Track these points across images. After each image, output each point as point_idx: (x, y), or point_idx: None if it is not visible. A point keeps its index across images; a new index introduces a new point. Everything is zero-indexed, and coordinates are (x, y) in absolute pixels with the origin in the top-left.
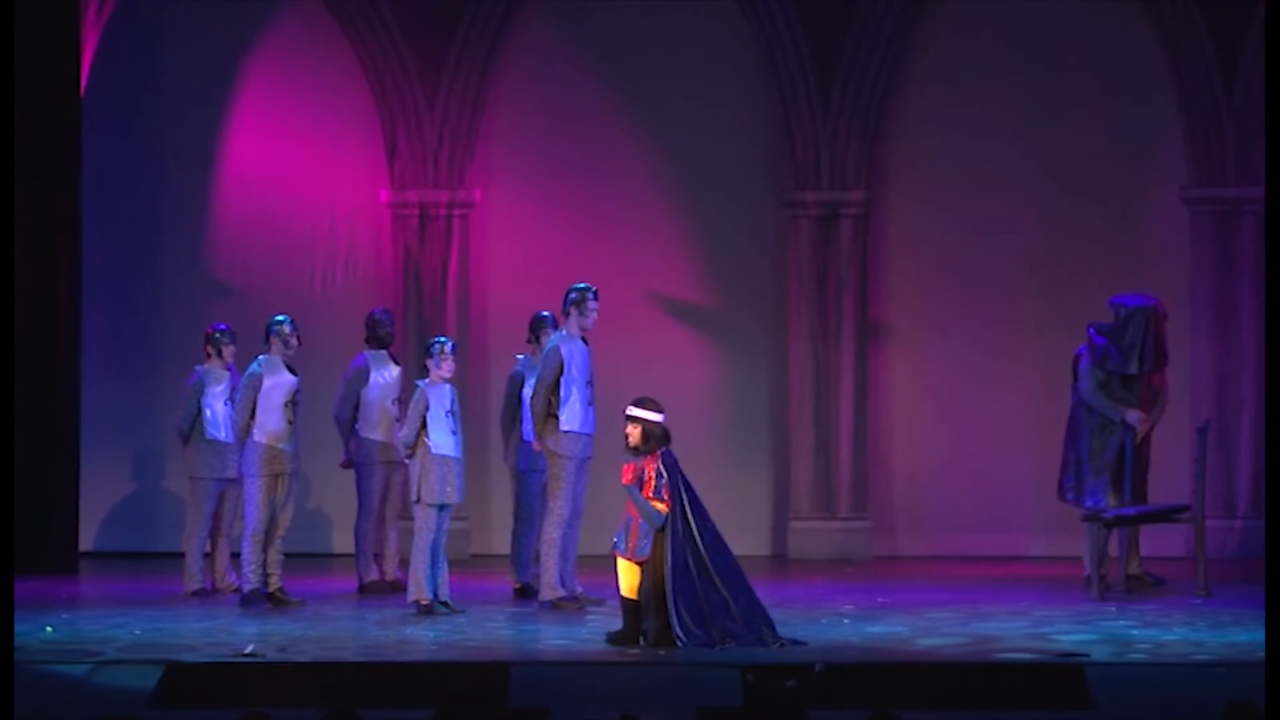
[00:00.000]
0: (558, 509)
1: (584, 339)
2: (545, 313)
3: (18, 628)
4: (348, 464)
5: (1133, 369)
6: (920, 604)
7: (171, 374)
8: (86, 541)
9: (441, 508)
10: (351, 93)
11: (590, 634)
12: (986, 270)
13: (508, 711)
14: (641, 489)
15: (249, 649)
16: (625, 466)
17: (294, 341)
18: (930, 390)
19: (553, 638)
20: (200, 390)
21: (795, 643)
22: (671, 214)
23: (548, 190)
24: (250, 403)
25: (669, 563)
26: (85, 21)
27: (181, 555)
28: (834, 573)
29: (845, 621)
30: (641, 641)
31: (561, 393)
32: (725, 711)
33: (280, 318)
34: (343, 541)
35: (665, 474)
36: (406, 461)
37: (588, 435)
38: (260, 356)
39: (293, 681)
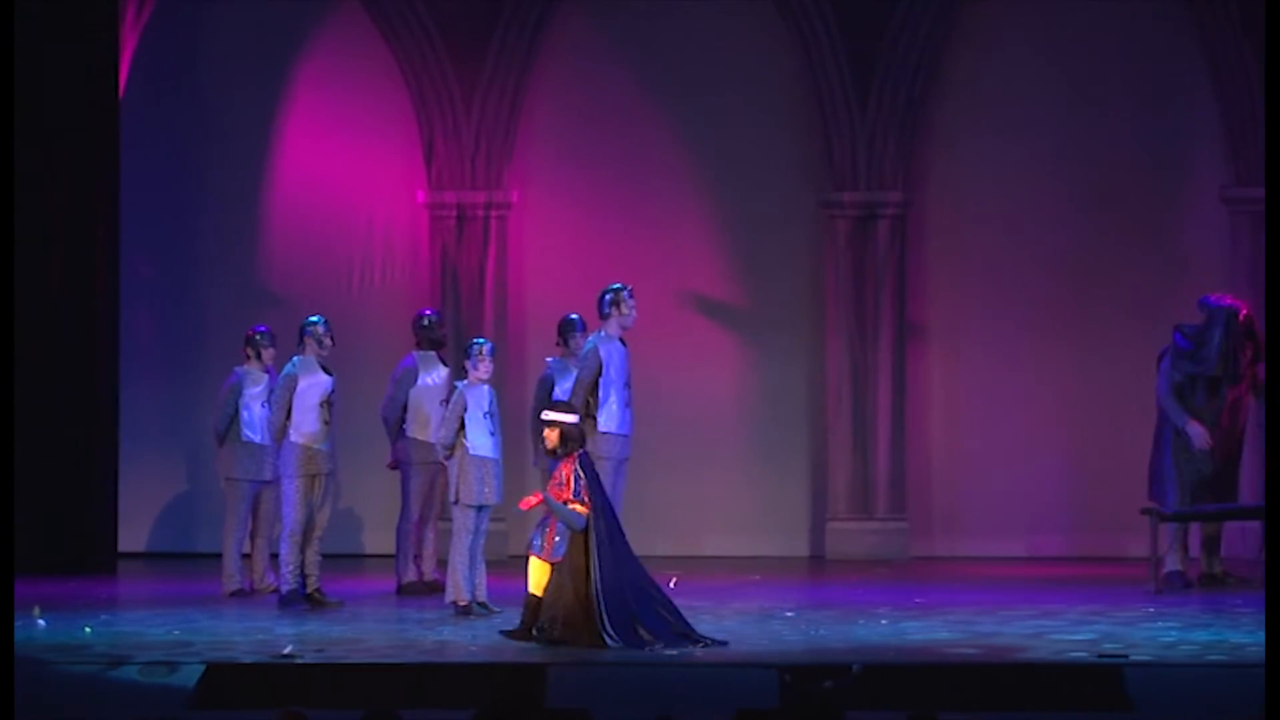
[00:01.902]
0: None
1: (622, 340)
2: (574, 315)
3: (58, 629)
4: (394, 464)
5: (1210, 371)
6: (957, 604)
7: (211, 375)
8: (126, 542)
9: (480, 509)
10: (389, 94)
11: None
12: (1023, 271)
13: (546, 712)
14: (563, 491)
15: (287, 649)
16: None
17: (328, 342)
18: (967, 391)
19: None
20: (238, 392)
21: (716, 643)
22: (709, 214)
23: (585, 191)
24: (285, 404)
25: (596, 565)
26: (124, 24)
27: (220, 556)
28: (871, 573)
29: (883, 622)
30: (535, 634)
31: (600, 394)
32: (763, 713)
33: (314, 318)
34: (377, 542)
35: (584, 476)
36: (445, 462)
37: (625, 436)
38: (295, 358)
39: (331, 682)
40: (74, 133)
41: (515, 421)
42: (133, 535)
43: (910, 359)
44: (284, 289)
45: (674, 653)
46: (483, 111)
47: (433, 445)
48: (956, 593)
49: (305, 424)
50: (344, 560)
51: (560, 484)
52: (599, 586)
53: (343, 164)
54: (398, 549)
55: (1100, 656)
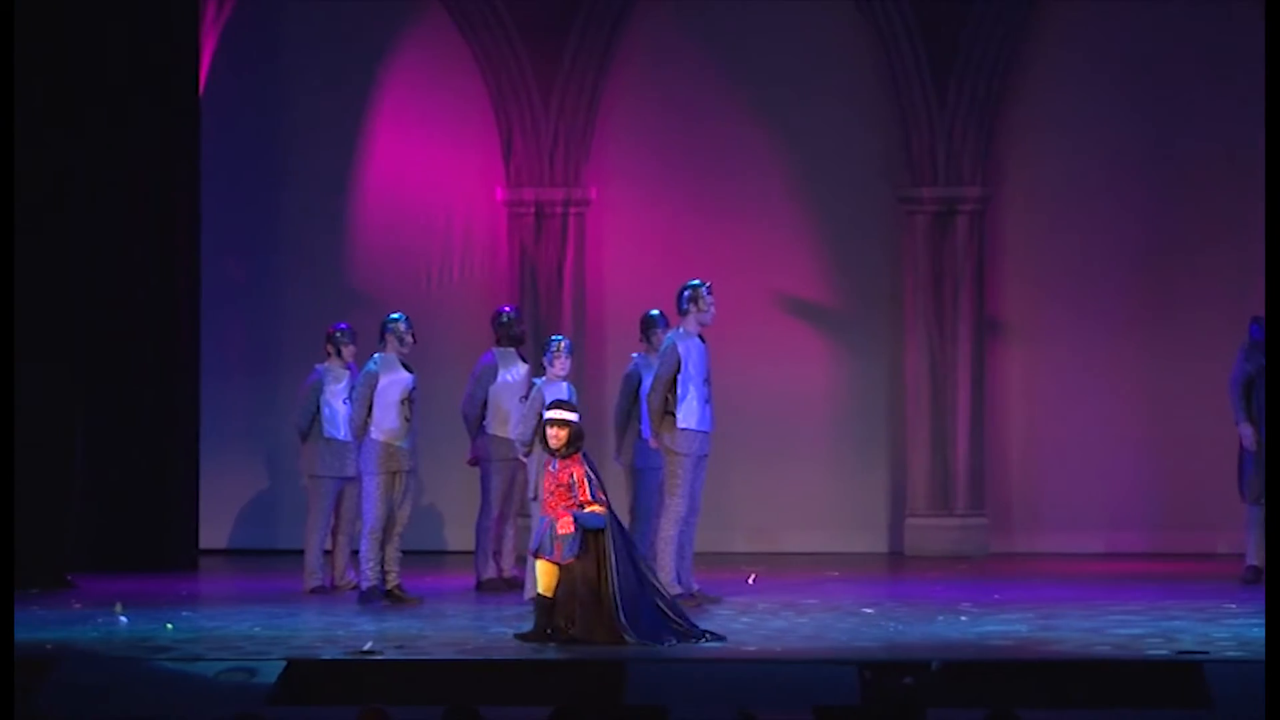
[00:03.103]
0: (674, 506)
1: (701, 336)
2: (655, 312)
3: (140, 625)
4: (474, 461)
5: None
6: (1037, 600)
7: (292, 373)
8: (207, 539)
9: None
10: (468, 92)
11: (708, 630)
12: (1102, 266)
13: (624, 709)
14: (575, 496)
15: (367, 646)
16: (552, 506)
17: (409, 339)
18: (1046, 386)
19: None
20: (319, 389)
21: (716, 637)
22: (787, 210)
23: (663, 187)
24: (367, 401)
25: (612, 562)
26: (204, 22)
27: (301, 552)
28: (950, 569)
29: (962, 619)
30: (550, 635)
31: (679, 390)
32: (843, 710)
33: (395, 316)
34: (458, 538)
35: (594, 475)
36: (524, 459)
37: (705, 433)
38: (376, 355)
39: (411, 679)
40: (154, 132)
41: (594, 418)
42: (214, 532)
43: (989, 354)
44: (364, 287)
45: (678, 645)
46: (561, 108)
47: (512, 442)
48: (1036, 589)
49: (386, 421)
50: (425, 557)
51: (570, 486)
52: (615, 583)
53: (422, 162)
54: (477, 545)
55: (1180, 653)
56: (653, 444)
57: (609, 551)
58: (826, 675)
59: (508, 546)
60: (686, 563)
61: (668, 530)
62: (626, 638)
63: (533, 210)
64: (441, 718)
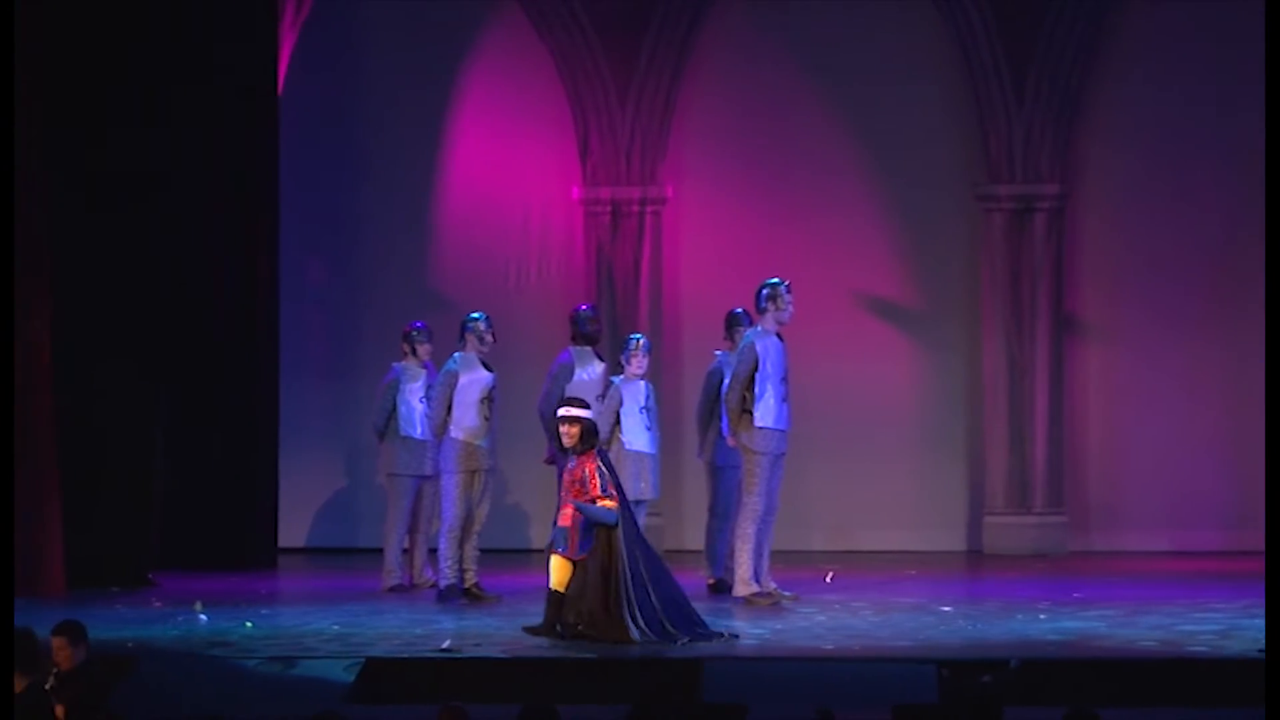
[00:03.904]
0: (752, 504)
1: (779, 335)
2: (740, 309)
3: (219, 623)
4: (551, 460)
5: None
6: (1116, 599)
7: (370, 372)
8: (286, 538)
9: (636, 503)
10: (544, 91)
11: (786, 629)
12: (1180, 263)
13: (702, 707)
14: (587, 491)
15: (446, 644)
16: (564, 508)
17: (489, 338)
18: (1125, 384)
19: (747, 633)
20: (396, 388)
21: (732, 636)
22: (865, 208)
23: (740, 185)
24: (446, 399)
25: (623, 560)
26: (283, 22)
27: (380, 551)
28: (1029, 568)
29: (1041, 617)
30: (559, 630)
31: (756, 389)
32: (921, 708)
33: (475, 315)
34: (538, 537)
35: (606, 471)
36: None
37: (782, 431)
38: (456, 354)
39: (489, 677)
40: (234, 133)
41: (671, 416)
42: (293, 531)
43: (1067, 352)
44: (441, 286)
45: (690, 645)
46: (637, 107)
47: None
48: (1115, 587)
49: (465, 420)
50: (505, 555)
51: (582, 481)
52: (627, 581)
53: (499, 161)
54: None
55: (1260, 651)
56: (731, 442)
57: (620, 549)
58: (905, 674)
59: None
60: (764, 561)
61: (745, 528)
62: (634, 636)
63: (609, 209)
64: (519, 716)
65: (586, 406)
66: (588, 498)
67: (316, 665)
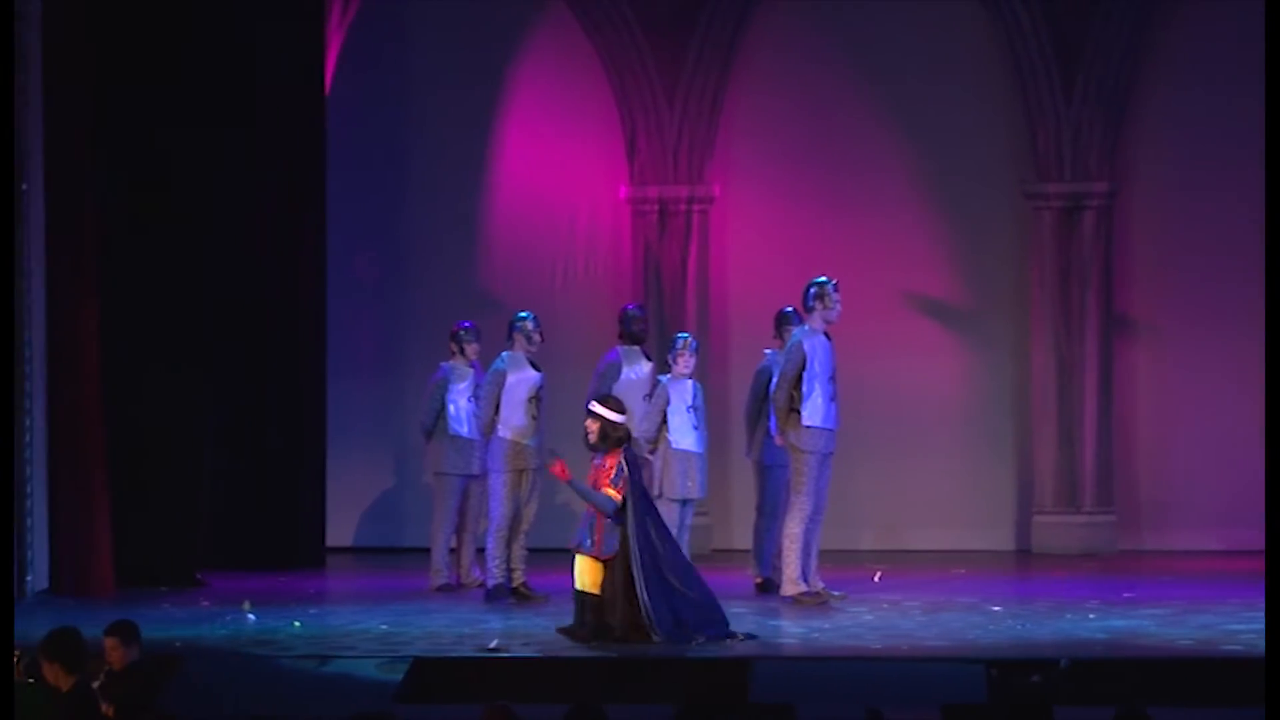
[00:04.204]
0: (800, 504)
1: (827, 334)
2: (789, 308)
3: (267, 623)
4: None
5: None
6: (1166, 599)
7: (417, 371)
8: (333, 537)
9: (684, 503)
10: (592, 89)
11: (834, 628)
12: (1232, 262)
13: (750, 707)
14: (600, 480)
15: (493, 644)
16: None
17: (537, 338)
18: (1175, 383)
19: (795, 633)
20: (444, 387)
21: (750, 636)
22: (913, 206)
23: (788, 184)
24: (494, 399)
25: (636, 558)
26: (330, 21)
27: (427, 550)
28: (1078, 567)
29: (1091, 616)
30: (596, 632)
31: (804, 388)
32: (970, 708)
33: (523, 314)
34: None
35: (625, 468)
36: (649, 457)
37: (830, 430)
38: (504, 353)
39: (536, 676)
40: (280, 131)
41: (719, 415)
42: (341, 530)
43: (1117, 351)
44: (488, 285)
45: (708, 645)
46: (685, 105)
47: (637, 440)
48: (1165, 586)
49: (513, 419)
50: (552, 555)
51: (604, 473)
52: (640, 582)
53: (546, 160)
54: None
55: None
56: (779, 442)
57: (631, 549)
58: (954, 673)
59: None
60: (812, 561)
61: (794, 528)
62: (653, 636)
63: (657, 208)
64: (566, 716)
65: (622, 410)
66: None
67: (364, 665)
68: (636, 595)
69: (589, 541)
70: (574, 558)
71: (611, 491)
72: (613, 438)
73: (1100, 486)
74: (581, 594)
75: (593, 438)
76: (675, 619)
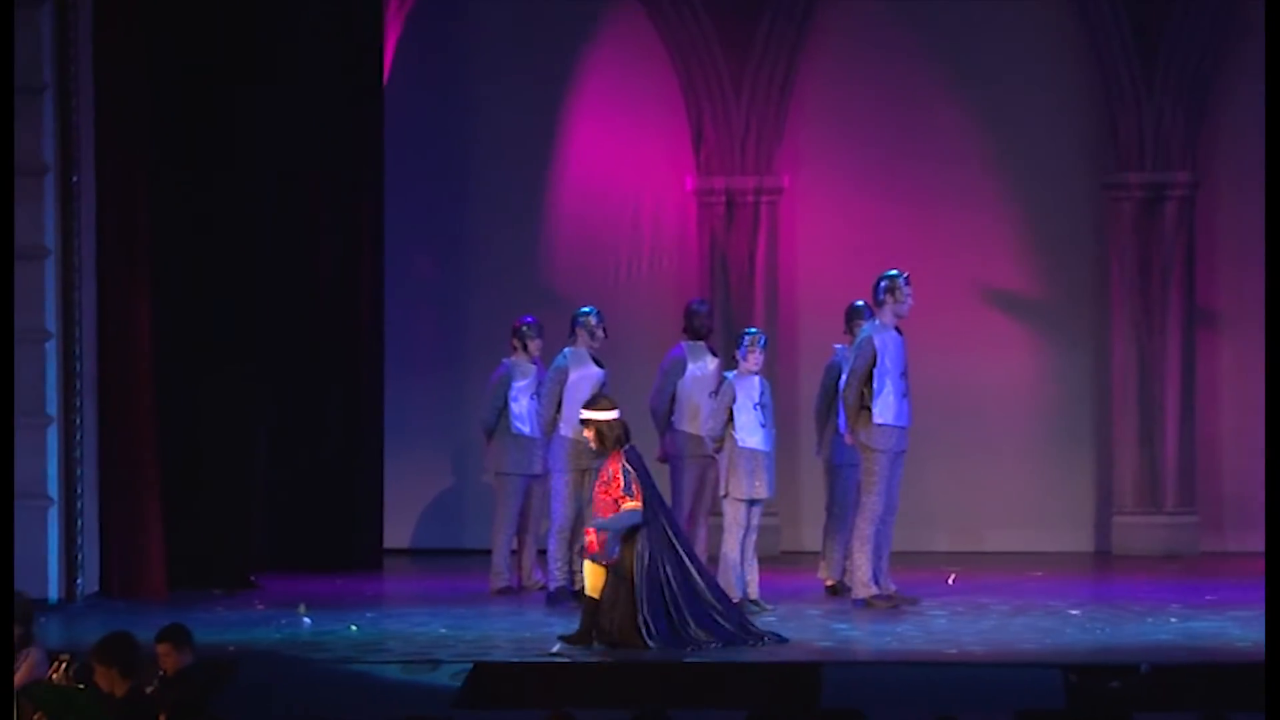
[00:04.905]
0: (871, 504)
1: (898, 329)
2: (860, 303)
3: (323, 626)
4: (663, 458)
5: None
6: (1250, 601)
7: (477, 369)
8: (391, 539)
9: (751, 503)
10: (657, 79)
11: (906, 633)
12: None
13: (820, 713)
14: (611, 490)
15: (555, 648)
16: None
17: (600, 334)
18: (1259, 379)
19: (866, 637)
20: (506, 384)
21: (779, 639)
22: (988, 197)
23: (858, 175)
24: (556, 396)
25: (640, 563)
26: (387, 11)
27: (487, 552)
28: (1159, 569)
29: (1172, 620)
30: (595, 641)
31: (875, 384)
32: (1047, 714)
33: (586, 309)
34: None
35: (633, 470)
36: (715, 456)
37: (902, 428)
38: (566, 349)
39: (600, 682)
40: (337, 124)
41: (788, 413)
42: (399, 531)
43: (1200, 346)
44: (550, 279)
45: (714, 650)
46: (753, 94)
47: (702, 438)
48: (1249, 589)
49: (576, 417)
50: None
51: (607, 482)
52: (642, 587)
53: (610, 151)
54: None
55: None
56: (849, 440)
57: (638, 552)
58: (1030, 679)
59: (699, 546)
60: (884, 563)
61: (864, 529)
62: (648, 641)
63: (724, 199)
64: None
65: (611, 407)
66: (612, 499)
67: (422, 670)
68: (634, 600)
69: (583, 546)
70: (582, 563)
71: (630, 504)
72: (612, 437)
73: (1182, 486)
74: (584, 599)
75: (593, 444)
76: (673, 628)
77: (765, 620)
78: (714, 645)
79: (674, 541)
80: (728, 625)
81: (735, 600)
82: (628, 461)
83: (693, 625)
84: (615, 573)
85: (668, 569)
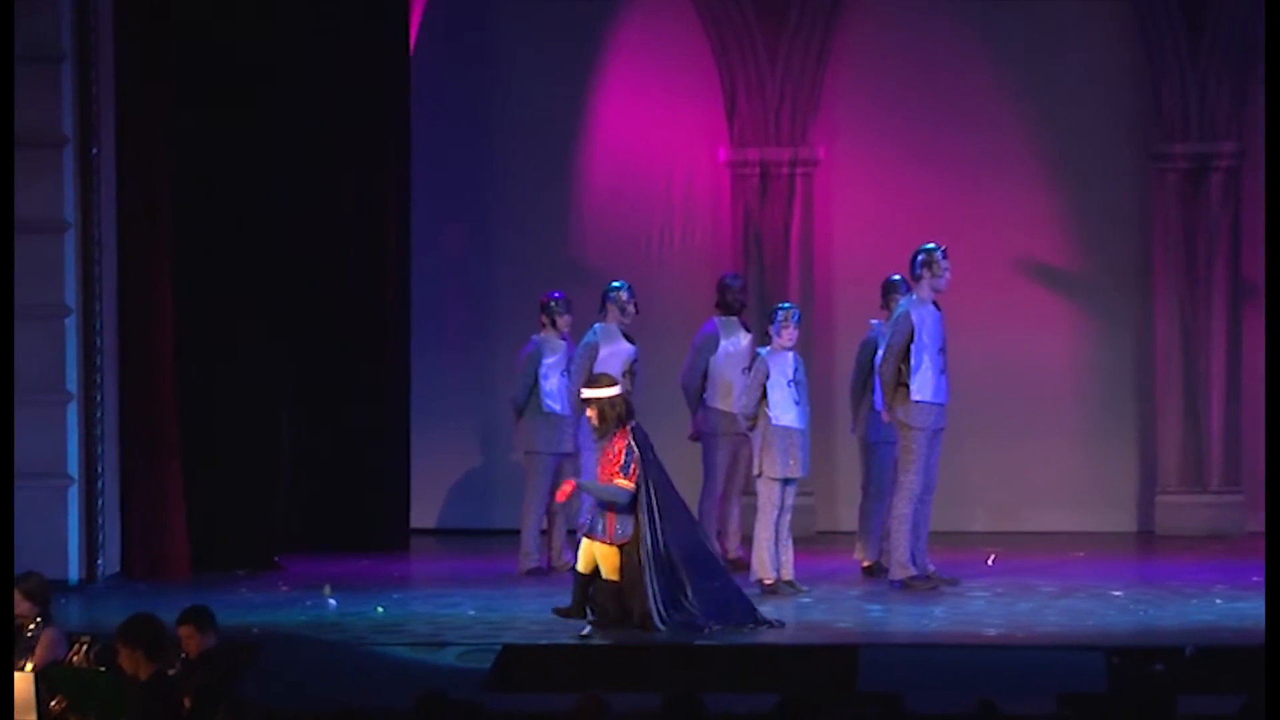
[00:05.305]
0: (908, 483)
1: (936, 303)
2: (897, 277)
3: (349, 608)
4: (695, 436)
5: None
6: None
7: (507, 345)
8: (418, 518)
9: (785, 482)
10: (690, 48)
11: (945, 614)
12: None
13: (856, 696)
14: (611, 466)
15: (585, 630)
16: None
17: (631, 309)
18: None
19: (904, 619)
20: (536, 361)
21: (775, 624)
22: (1029, 169)
23: (896, 145)
24: (587, 373)
25: (646, 545)
26: None
27: (516, 532)
28: (1205, 550)
29: (1217, 602)
30: (592, 612)
31: (912, 360)
32: (1089, 698)
33: (617, 284)
34: None
35: (635, 450)
36: (748, 433)
37: (940, 405)
38: (596, 325)
39: (631, 665)
40: (363, 95)
41: (823, 390)
42: (426, 511)
43: (1246, 321)
44: (579, 253)
45: (721, 632)
46: (787, 64)
47: (735, 416)
48: None
49: None
50: None
51: (611, 459)
52: (650, 568)
53: (641, 123)
54: (701, 524)
55: None
56: (886, 417)
57: (643, 534)
58: (1072, 662)
59: (732, 526)
60: (922, 543)
61: (902, 508)
62: (657, 624)
63: (758, 171)
64: (662, 706)
65: (612, 384)
66: (608, 476)
67: (450, 653)
68: (642, 583)
69: (600, 527)
70: (579, 540)
71: (622, 481)
72: (613, 415)
73: (1227, 464)
74: (591, 579)
75: (595, 423)
76: (680, 611)
77: (800, 602)
78: (716, 629)
79: (679, 520)
80: (734, 610)
81: (770, 581)
82: (634, 440)
83: (696, 609)
84: (629, 553)
85: (671, 547)
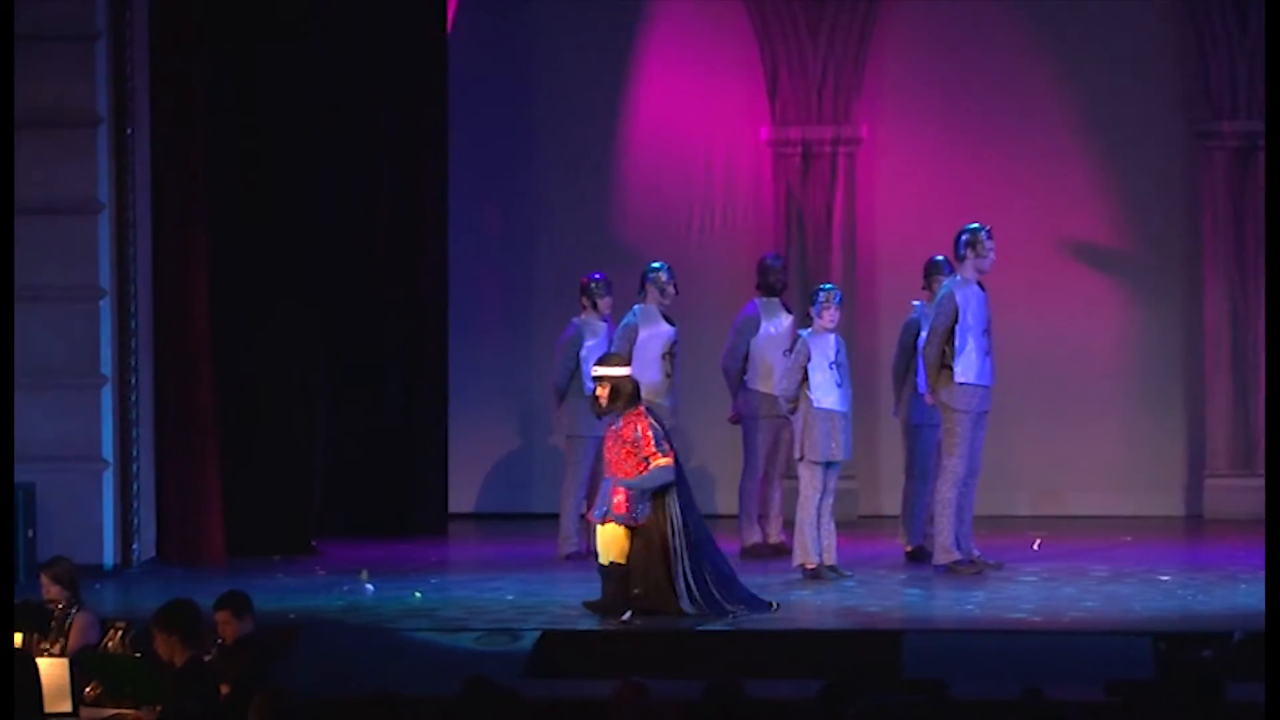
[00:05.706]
0: (952, 466)
1: (980, 284)
2: (940, 257)
3: (386, 593)
4: (736, 418)
5: None
6: None
7: (546, 328)
8: (456, 503)
9: (827, 465)
10: (731, 25)
11: (990, 600)
12: None
13: (900, 683)
14: (639, 450)
15: (625, 616)
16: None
17: (671, 290)
18: None
19: (948, 604)
20: (577, 343)
21: (775, 606)
22: (1075, 147)
23: (940, 124)
24: (627, 355)
25: (676, 526)
26: None
27: (555, 517)
28: (1254, 534)
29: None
30: (629, 603)
31: (956, 342)
32: (1136, 684)
33: (656, 265)
34: (726, 502)
35: (658, 424)
36: (789, 416)
37: (985, 387)
38: (636, 306)
39: (671, 651)
40: (400, 75)
41: (866, 372)
42: (464, 495)
43: None
44: (619, 234)
45: (746, 616)
46: (830, 41)
47: (776, 398)
48: None
49: (646, 376)
50: None
51: (634, 442)
52: (681, 549)
53: (682, 101)
54: (741, 509)
55: None
56: (929, 400)
57: (673, 514)
58: (1118, 648)
59: (774, 510)
60: (966, 527)
61: (945, 492)
62: (685, 607)
63: (799, 150)
64: (703, 693)
65: (616, 364)
66: (639, 458)
67: (490, 638)
68: (671, 564)
69: (607, 509)
70: (593, 528)
71: (661, 460)
72: (625, 393)
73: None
74: (606, 565)
75: (605, 402)
76: (711, 590)
77: (844, 586)
78: (738, 612)
79: (694, 505)
80: (738, 593)
81: (812, 566)
82: (650, 418)
83: (718, 591)
84: (644, 534)
85: (694, 533)
